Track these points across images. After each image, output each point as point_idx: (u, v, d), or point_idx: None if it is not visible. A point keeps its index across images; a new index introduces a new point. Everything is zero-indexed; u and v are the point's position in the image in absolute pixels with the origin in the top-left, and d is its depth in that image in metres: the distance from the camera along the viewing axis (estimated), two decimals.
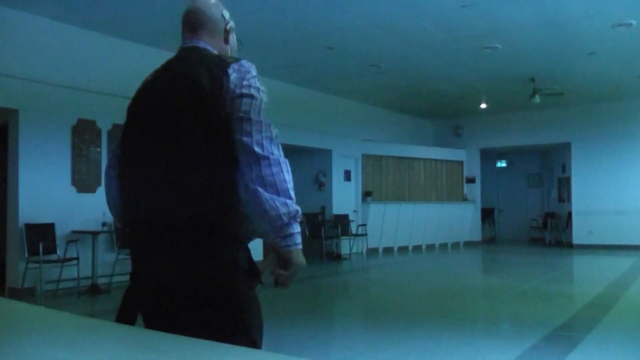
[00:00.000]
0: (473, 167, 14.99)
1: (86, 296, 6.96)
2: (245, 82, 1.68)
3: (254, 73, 1.74)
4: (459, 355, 4.23)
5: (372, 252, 12.37)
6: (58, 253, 7.03)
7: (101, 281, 7.34)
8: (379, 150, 13.08)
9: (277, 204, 1.57)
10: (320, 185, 11.98)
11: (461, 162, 14.93)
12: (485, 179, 15.86)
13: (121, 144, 1.84)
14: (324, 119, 11.60)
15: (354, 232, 11.76)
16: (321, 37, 7.97)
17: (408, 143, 14.01)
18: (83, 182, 7.48)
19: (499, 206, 16.66)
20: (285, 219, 1.58)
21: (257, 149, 1.61)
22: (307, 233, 10.42)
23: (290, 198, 1.60)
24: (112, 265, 7.55)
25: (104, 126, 7.77)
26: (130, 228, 1.77)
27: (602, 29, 7.73)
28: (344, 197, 12.18)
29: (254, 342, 1.65)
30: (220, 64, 1.72)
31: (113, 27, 7.46)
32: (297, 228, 1.62)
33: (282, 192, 1.59)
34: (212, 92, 1.64)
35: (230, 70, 1.69)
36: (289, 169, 1.65)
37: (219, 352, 1.29)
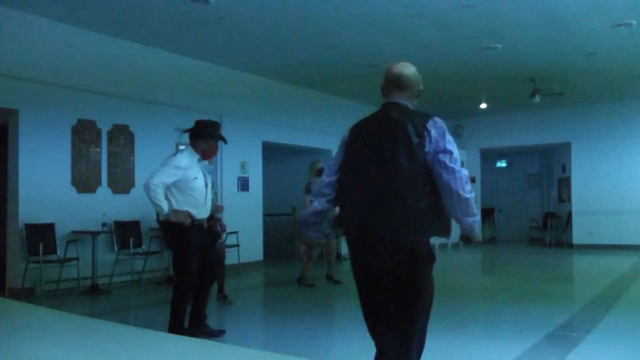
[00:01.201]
0: (473, 167, 14.97)
1: (86, 296, 6.96)
2: (447, 138, 2.55)
3: (445, 128, 2.59)
4: (459, 355, 4.23)
5: None
6: (58, 253, 7.03)
7: (101, 281, 7.34)
8: None
9: (472, 223, 2.59)
10: None
11: (461, 162, 14.89)
12: (485, 179, 15.85)
13: (342, 170, 2.80)
14: (324, 119, 11.59)
15: None
16: (321, 37, 7.96)
17: None
18: (83, 182, 7.48)
19: (499, 206, 16.65)
20: (474, 227, 2.61)
21: (461, 192, 2.50)
22: None
23: (475, 215, 2.57)
24: (112, 265, 7.56)
25: (104, 126, 7.77)
26: (347, 232, 2.72)
27: (602, 29, 7.73)
28: None
29: (428, 308, 2.68)
30: (421, 121, 2.58)
31: (113, 27, 7.46)
32: (477, 227, 2.63)
33: (472, 214, 2.57)
34: (417, 143, 2.52)
35: (429, 126, 2.55)
36: (474, 198, 2.58)
37: (218, 352, 1.29)
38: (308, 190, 7.88)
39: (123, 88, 7.93)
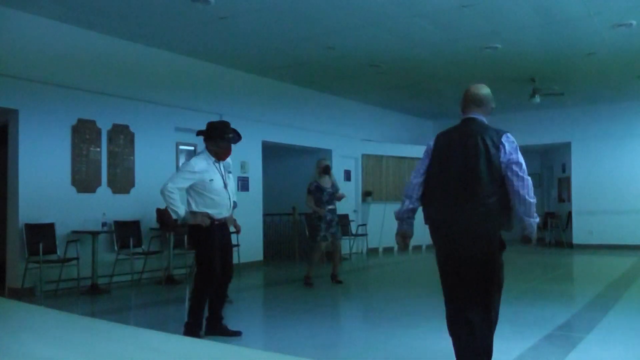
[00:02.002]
0: None
1: (86, 296, 6.96)
2: (518, 153, 3.12)
3: (516, 142, 3.16)
4: None
5: (372, 252, 12.37)
6: (58, 253, 7.03)
7: (101, 281, 7.34)
8: (379, 150, 13.06)
9: (532, 223, 3.13)
10: None
11: None
12: None
13: (428, 174, 3.32)
14: (324, 119, 11.59)
15: (354, 232, 11.75)
16: (321, 37, 7.96)
17: (408, 143, 13.98)
18: (83, 182, 7.48)
19: None
20: (534, 227, 3.14)
21: (527, 198, 3.08)
22: (307, 233, 10.40)
23: (535, 217, 3.14)
24: (112, 265, 7.56)
25: (104, 126, 7.77)
26: (433, 224, 3.34)
27: (602, 29, 7.73)
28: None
29: (501, 285, 3.23)
30: (497, 135, 3.17)
31: (113, 27, 7.46)
32: (536, 227, 3.14)
33: (533, 217, 3.13)
34: (495, 154, 3.11)
35: (503, 140, 3.13)
36: (535, 203, 3.13)
37: (218, 352, 1.29)
38: (309, 191, 7.92)
39: (123, 88, 7.93)
